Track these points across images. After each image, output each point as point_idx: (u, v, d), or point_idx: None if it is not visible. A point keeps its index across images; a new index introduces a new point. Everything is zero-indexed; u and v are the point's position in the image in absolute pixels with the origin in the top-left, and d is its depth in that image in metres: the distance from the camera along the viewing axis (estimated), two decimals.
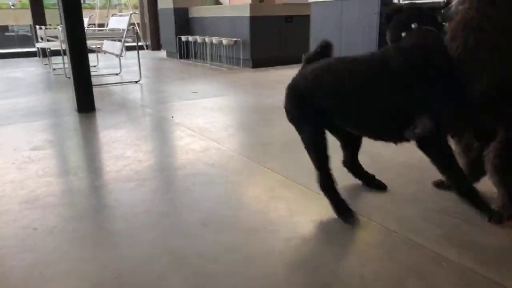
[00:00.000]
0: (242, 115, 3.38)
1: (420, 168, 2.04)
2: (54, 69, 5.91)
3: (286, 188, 1.88)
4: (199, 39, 6.76)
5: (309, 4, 5.11)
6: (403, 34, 1.52)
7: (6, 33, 11.13)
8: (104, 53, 5.72)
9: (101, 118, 3.27)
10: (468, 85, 1.41)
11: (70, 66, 3.40)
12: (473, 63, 1.40)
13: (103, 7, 10.91)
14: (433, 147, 1.49)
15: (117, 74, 5.55)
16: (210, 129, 2.88)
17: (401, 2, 3.76)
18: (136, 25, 9.27)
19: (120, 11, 10.90)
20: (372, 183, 1.85)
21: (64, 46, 3.60)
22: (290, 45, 5.97)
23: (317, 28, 4.76)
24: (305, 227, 1.54)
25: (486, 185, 1.61)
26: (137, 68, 5.14)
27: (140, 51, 7.63)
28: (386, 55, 1.50)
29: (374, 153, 2.19)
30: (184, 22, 7.43)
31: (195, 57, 7.23)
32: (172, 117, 3.26)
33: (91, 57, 4.73)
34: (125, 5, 11.21)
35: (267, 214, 1.64)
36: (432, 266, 1.29)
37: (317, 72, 1.59)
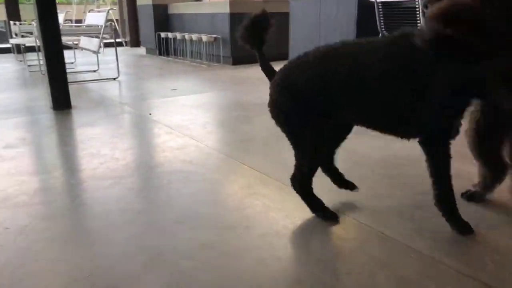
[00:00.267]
0: (221, 112, 3.38)
1: (394, 164, 2.09)
2: (29, 65, 5.77)
3: (263, 184, 1.89)
4: (178, 35, 6.71)
5: (288, 1, 5.12)
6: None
7: None
8: (81, 50, 5.62)
9: (78, 116, 3.22)
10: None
11: (44, 63, 3.33)
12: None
13: (80, 2, 10.71)
14: (439, 147, 1.40)
15: (94, 71, 5.47)
16: (189, 126, 2.87)
17: None
18: (115, 21, 9.14)
19: (98, 7, 10.72)
20: (344, 184, 1.76)
21: (39, 42, 3.52)
22: (270, 42, 5.97)
23: (296, 25, 4.78)
24: (280, 223, 1.55)
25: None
26: (115, 65, 5.07)
27: (119, 48, 7.53)
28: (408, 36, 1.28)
29: (349, 149, 2.22)
30: (164, 18, 7.37)
31: (175, 54, 7.17)
32: (150, 114, 3.23)
33: (68, 53, 4.65)
34: (103, 0, 11.02)
35: (244, 211, 1.65)
36: (403, 258, 1.32)
37: (322, 61, 1.40)
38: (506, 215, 1.58)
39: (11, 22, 6.85)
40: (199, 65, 6.15)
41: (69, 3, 10.48)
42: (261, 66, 1.58)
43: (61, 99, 3.40)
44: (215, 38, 6.03)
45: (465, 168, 1.86)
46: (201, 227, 1.53)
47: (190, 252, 1.38)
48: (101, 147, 2.44)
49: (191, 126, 2.87)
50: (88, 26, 5.63)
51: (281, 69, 1.51)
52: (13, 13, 7.69)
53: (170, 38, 7.05)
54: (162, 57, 7.28)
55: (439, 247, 1.37)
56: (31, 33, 5.66)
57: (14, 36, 6.67)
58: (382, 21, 3.70)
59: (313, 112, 1.43)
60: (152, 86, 4.57)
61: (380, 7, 3.67)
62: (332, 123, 1.53)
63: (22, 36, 6.12)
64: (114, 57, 5.10)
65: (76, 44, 5.41)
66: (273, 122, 1.53)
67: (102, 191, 1.85)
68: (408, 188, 1.83)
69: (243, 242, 1.43)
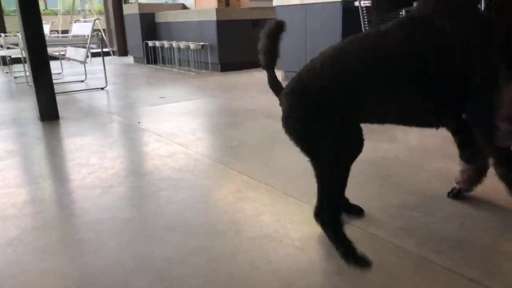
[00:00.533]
0: (210, 119, 3.38)
1: (383, 165, 2.11)
2: (15, 77, 5.72)
3: (252, 189, 1.90)
4: (166, 44, 6.71)
5: (274, 7, 5.17)
6: None
7: None
8: (68, 60, 5.59)
9: (65, 126, 3.20)
10: None
11: (31, 74, 3.31)
12: None
13: (66, 13, 10.67)
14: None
15: (82, 81, 5.44)
16: (177, 133, 2.87)
17: None
18: (102, 31, 9.11)
19: (84, 17, 10.68)
20: (350, 209, 1.63)
21: (25, 54, 3.50)
22: (258, 48, 6.00)
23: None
24: (270, 226, 1.56)
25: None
26: (103, 74, 5.05)
27: (107, 57, 7.50)
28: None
29: None
30: (151, 27, 7.36)
31: (163, 62, 7.17)
32: (139, 122, 3.23)
33: (55, 64, 4.62)
34: (90, 11, 10.99)
35: (234, 215, 1.65)
36: (392, 257, 1.33)
37: (336, 59, 1.33)
38: (492, 211, 1.61)
39: None
40: (187, 72, 6.15)
41: (55, 14, 10.43)
42: (269, 82, 1.43)
43: (48, 110, 3.38)
44: (203, 45, 6.05)
45: (449, 167, 1.89)
46: (192, 233, 1.53)
47: (181, 257, 1.37)
48: (89, 156, 2.42)
49: (180, 133, 2.87)
50: (74, 36, 5.60)
51: (293, 78, 1.38)
52: None
53: (158, 47, 7.05)
54: (150, 65, 7.27)
55: (428, 246, 1.39)
56: (16, 44, 5.61)
57: None
58: (366, 25, 3.75)
59: (335, 115, 1.30)
60: (140, 94, 4.56)
61: (364, 11, 3.73)
62: (355, 127, 1.37)
63: (8, 48, 6.07)
64: (102, 67, 5.08)
65: (63, 54, 5.38)
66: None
67: (91, 200, 1.84)
68: (396, 188, 1.85)
69: (234, 246, 1.43)
